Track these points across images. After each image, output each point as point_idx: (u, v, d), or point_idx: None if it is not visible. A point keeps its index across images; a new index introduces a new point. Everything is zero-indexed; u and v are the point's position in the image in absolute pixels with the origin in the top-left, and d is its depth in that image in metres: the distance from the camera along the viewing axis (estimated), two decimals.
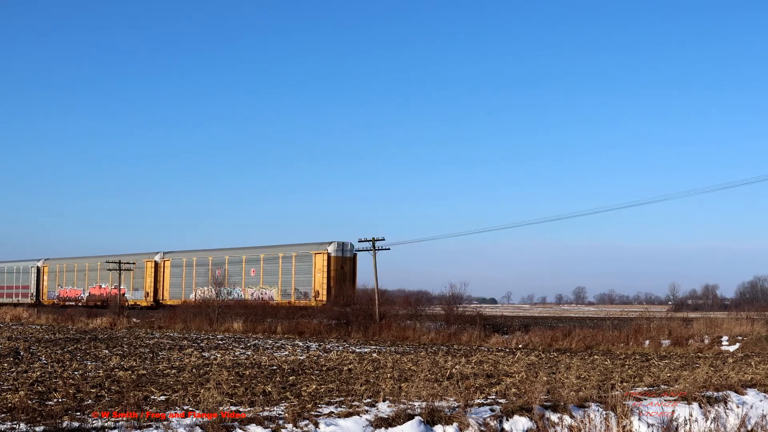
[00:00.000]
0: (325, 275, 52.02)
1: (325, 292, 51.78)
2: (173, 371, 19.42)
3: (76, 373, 18.59)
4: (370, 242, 47.46)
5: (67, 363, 21.34)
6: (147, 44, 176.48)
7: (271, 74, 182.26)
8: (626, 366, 23.53)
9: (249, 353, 26.33)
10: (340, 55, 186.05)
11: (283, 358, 24.21)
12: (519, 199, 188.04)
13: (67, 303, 68.77)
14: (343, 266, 53.08)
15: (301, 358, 24.76)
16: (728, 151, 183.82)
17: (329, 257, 52.26)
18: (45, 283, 74.56)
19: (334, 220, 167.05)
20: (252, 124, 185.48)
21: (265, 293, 56.14)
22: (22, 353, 24.58)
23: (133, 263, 64.08)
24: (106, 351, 26.39)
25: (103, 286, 68.43)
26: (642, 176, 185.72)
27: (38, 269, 75.27)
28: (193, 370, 19.73)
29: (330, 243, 52.97)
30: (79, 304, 67.44)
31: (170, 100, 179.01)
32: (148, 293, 64.87)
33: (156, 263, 64.80)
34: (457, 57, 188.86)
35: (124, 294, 64.52)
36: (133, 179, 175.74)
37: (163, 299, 63.54)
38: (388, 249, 48.38)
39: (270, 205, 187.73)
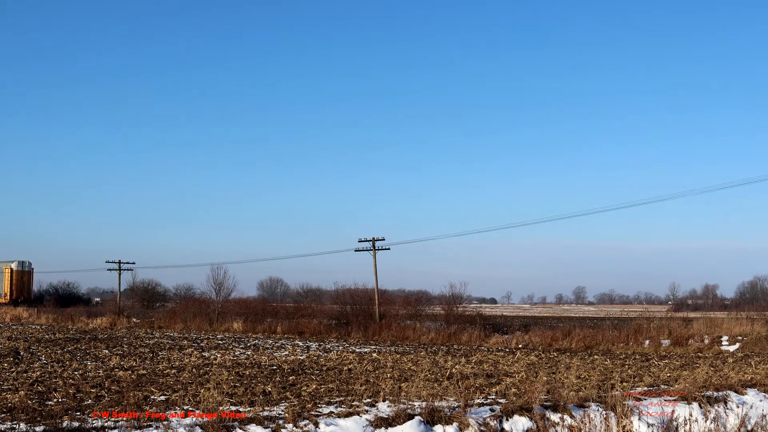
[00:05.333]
0: (9, 282, 75.81)
1: (9, 293, 75.99)
2: (173, 371, 19.42)
3: (76, 373, 18.59)
4: (370, 242, 47.50)
5: (67, 363, 21.33)
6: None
7: (267, 71, 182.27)
8: (626, 366, 23.53)
9: (249, 353, 26.33)
10: (339, 53, 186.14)
11: (283, 358, 24.21)
12: (519, 199, 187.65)
13: None
14: (23, 277, 77.14)
15: (301, 358, 24.77)
16: (728, 151, 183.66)
17: (12, 270, 75.78)
18: None
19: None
20: (248, 122, 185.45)
21: None
22: (22, 353, 24.58)
23: None
24: (106, 351, 26.40)
25: None
26: (642, 176, 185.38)
27: None
28: (193, 370, 19.73)
29: (13, 261, 76.30)
30: None
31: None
32: None
33: None
34: (456, 54, 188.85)
35: None
36: None
37: None
38: (388, 249, 48.58)
39: (264, 205, 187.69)
